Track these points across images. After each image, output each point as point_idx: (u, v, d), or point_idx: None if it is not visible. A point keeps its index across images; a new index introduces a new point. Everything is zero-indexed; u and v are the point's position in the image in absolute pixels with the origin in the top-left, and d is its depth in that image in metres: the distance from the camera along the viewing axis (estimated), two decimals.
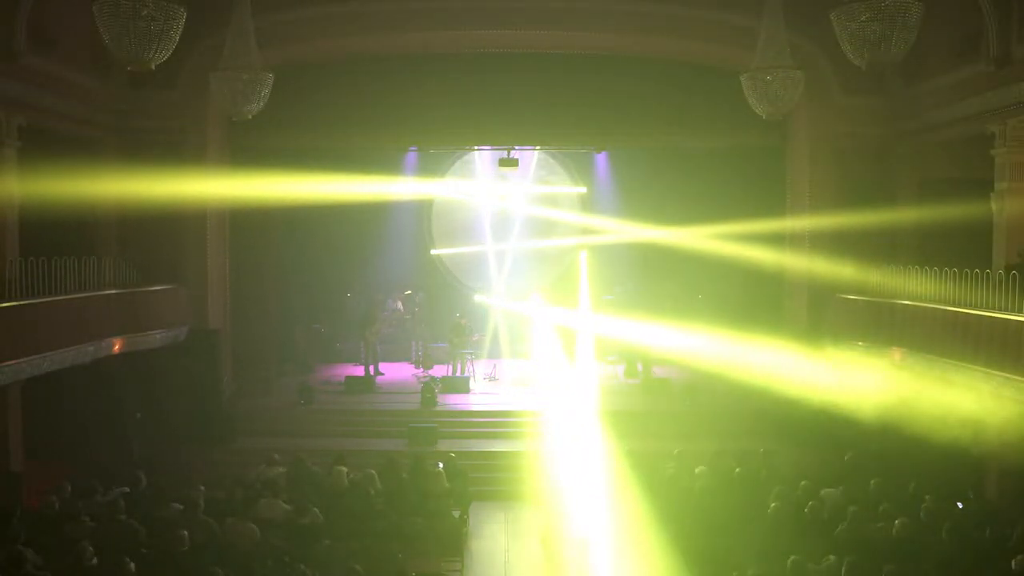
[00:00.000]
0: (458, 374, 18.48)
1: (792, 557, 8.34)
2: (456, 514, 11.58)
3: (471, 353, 18.89)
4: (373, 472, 11.67)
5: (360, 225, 19.63)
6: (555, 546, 11.06)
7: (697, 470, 11.84)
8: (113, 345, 13.61)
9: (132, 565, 8.11)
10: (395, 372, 19.34)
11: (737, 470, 11.91)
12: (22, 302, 11.46)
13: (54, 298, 12.11)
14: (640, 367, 18.64)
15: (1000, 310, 10.67)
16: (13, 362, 11.11)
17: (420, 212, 21.10)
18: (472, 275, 21.29)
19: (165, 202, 14.18)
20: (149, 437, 14.53)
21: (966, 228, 12.78)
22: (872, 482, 11.12)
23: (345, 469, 11.77)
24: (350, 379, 18.02)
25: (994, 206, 12.95)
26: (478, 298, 20.71)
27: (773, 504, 10.12)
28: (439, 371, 18.64)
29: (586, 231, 20.63)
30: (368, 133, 17.06)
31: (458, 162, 20.80)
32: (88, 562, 8.34)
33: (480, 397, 17.58)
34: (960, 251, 12.41)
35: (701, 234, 17.25)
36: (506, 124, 17.03)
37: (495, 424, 16.13)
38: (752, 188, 17.47)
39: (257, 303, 17.65)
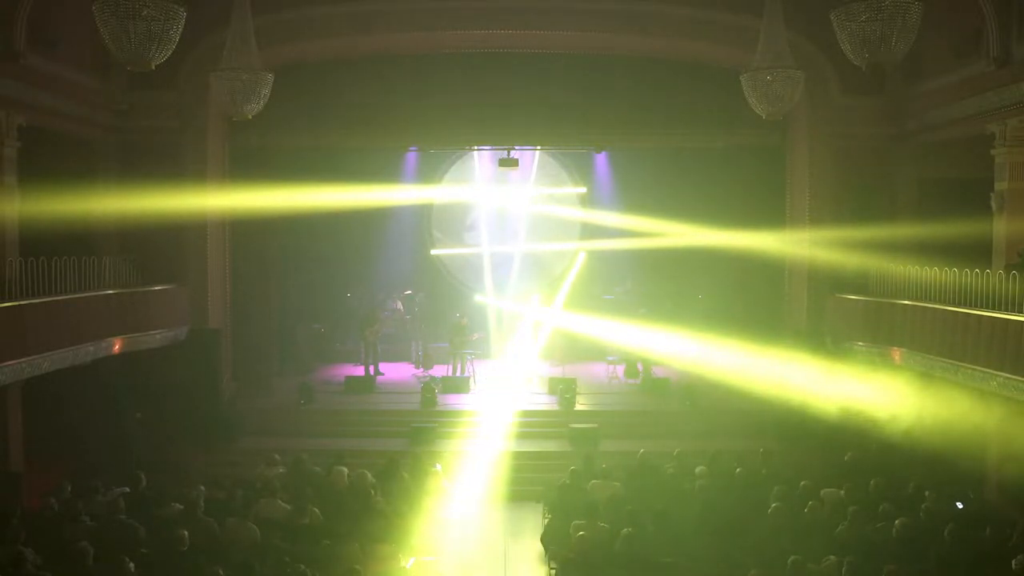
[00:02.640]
0: (458, 374, 18.49)
1: (792, 557, 8.33)
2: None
3: (471, 353, 18.91)
4: (366, 472, 11.65)
5: (360, 225, 19.62)
6: None
7: (697, 470, 11.84)
8: (113, 345, 13.61)
9: (131, 565, 8.11)
10: (395, 372, 19.33)
11: (737, 470, 11.91)
12: (22, 302, 11.46)
13: (54, 298, 12.11)
14: (640, 367, 18.65)
15: (1000, 310, 10.67)
16: (13, 362, 11.11)
17: (420, 213, 21.07)
18: (472, 276, 21.28)
19: (165, 202, 14.20)
20: (149, 437, 14.52)
21: (966, 228, 12.78)
22: (872, 482, 11.12)
23: (345, 469, 11.77)
24: (350, 379, 18.01)
25: (994, 206, 12.95)
26: (478, 298, 20.72)
27: (773, 504, 10.12)
28: (439, 371, 18.64)
29: (586, 230, 20.67)
30: (368, 133, 17.06)
31: (456, 164, 20.78)
32: (88, 562, 8.33)
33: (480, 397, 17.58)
34: (960, 251, 12.42)
35: (701, 234, 17.24)
36: (506, 124, 17.02)
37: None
38: (752, 188, 17.48)
39: (257, 303, 17.65)
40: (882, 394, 12.70)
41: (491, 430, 15.30)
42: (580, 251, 20.53)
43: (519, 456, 15.32)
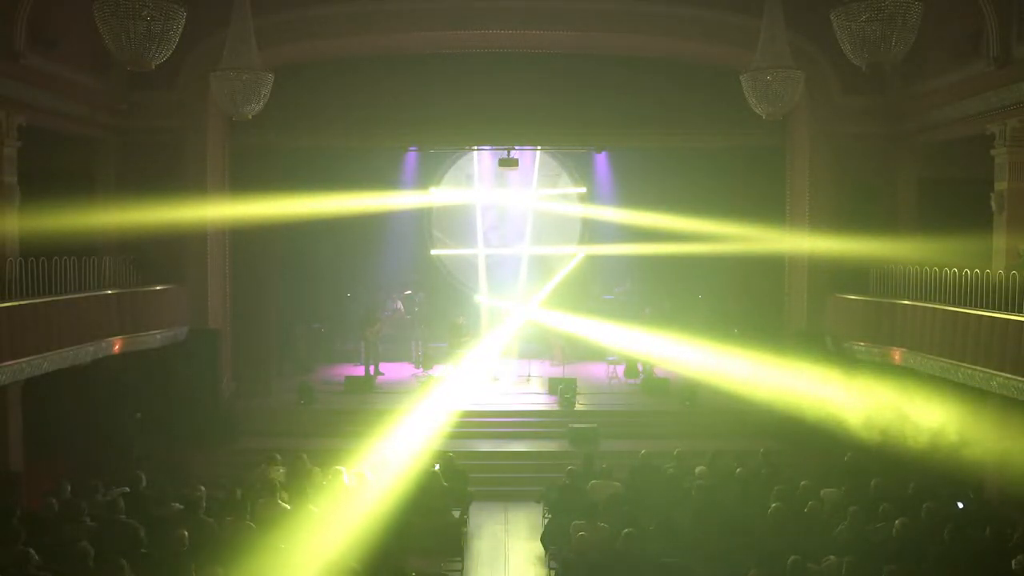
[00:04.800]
0: None
1: (792, 557, 8.33)
2: (456, 514, 11.58)
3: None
4: (366, 472, 11.65)
5: (360, 225, 19.54)
6: None
7: (697, 470, 11.84)
8: (113, 345, 13.61)
9: (128, 565, 8.10)
10: (395, 372, 19.33)
11: (737, 470, 11.91)
12: (22, 302, 11.46)
13: (54, 298, 12.11)
14: (640, 367, 18.65)
15: (1000, 310, 10.67)
16: (13, 362, 11.11)
17: (420, 213, 21.08)
18: (473, 276, 21.29)
19: (165, 202, 14.20)
20: (149, 437, 14.52)
21: (966, 228, 12.79)
22: (872, 482, 11.12)
23: (345, 469, 11.76)
24: (350, 379, 18.01)
25: (994, 206, 12.95)
26: (478, 298, 20.73)
27: (773, 504, 10.11)
28: (439, 371, 18.63)
29: (586, 230, 20.67)
30: (368, 133, 17.05)
31: (456, 164, 20.77)
32: (88, 562, 8.33)
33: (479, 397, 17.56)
34: (960, 251, 12.42)
35: (701, 234, 17.23)
36: (506, 124, 17.01)
37: (495, 424, 16.14)
38: (752, 188, 17.49)
39: (257, 303, 17.62)
40: (881, 393, 12.70)
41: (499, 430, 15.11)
42: (580, 253, 20.54)
43: (519, 456, 15.36)
